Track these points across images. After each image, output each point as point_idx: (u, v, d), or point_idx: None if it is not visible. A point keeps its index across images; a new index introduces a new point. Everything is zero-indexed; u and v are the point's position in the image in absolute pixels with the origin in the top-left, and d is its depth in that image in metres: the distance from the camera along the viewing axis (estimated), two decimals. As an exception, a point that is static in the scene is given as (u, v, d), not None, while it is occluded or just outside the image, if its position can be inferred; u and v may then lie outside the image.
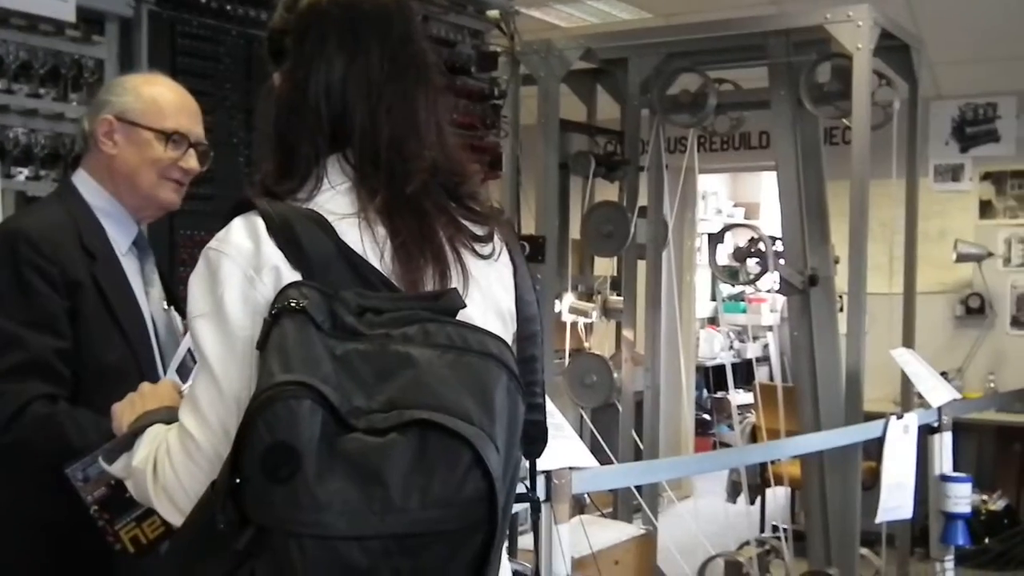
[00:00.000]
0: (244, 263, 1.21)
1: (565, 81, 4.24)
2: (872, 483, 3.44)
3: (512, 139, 3.86)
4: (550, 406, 1.75)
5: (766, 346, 8.19)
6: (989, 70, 5.88)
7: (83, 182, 1.93)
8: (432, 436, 1.10)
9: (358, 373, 1.13)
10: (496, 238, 1.38)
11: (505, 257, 1.39)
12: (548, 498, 2.07)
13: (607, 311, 4.57)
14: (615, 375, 4.35)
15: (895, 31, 3.86)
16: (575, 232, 4.59)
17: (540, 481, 2.00)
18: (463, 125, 3.42)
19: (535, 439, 1.40)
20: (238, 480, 1.09)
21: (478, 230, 1.36)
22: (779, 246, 4.07)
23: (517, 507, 1.52)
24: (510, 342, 1.31)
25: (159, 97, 1.94)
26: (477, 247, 1.34)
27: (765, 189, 8.97)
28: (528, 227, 4.12)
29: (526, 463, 1.45)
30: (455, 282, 1.29)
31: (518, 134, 3.97)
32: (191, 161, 1.95)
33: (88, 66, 2.60)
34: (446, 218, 1.33)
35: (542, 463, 1.60)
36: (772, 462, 4.89)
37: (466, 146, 3.34)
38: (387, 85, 1.31)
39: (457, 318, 1.21)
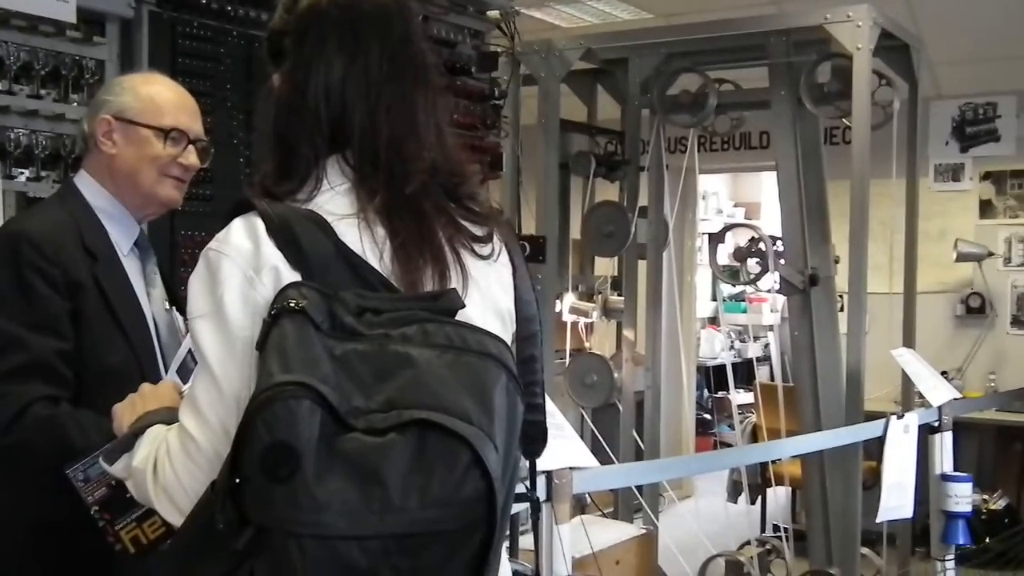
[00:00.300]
0: (244, 264, 1.21)
1: (565, 81, 4.25)
2: (873, 482, 3.44)
3: (512, 139, 3.87)
4: (550, 406, 1.75)
5: (767, 346, 8.19)
6: (989, 70, 5.88)
7: (84, 183, 1.93)
8: (431, 436, 1.10)
9: (357, 373, 1.13)
10: (495, 238, 1.38)
11: (504, 258, 1.39)
12: (549, 498, 2.07)
13: (608, 311, 4.57)
14: (616, 375, 4.36)
15: (895, 31, 3.86)
16: (575, 232, 4.59)
17: (541, 481, 2.00)
18: (463, 125, 3.42)
19: (535, 439, 1.40)
20: (238, 480, 1.09)
21: (477, 231, 1.36)
22: (779, 246, 4.07)
23: (518, 507, 1.52)
24: (509, 342, 1.31)
25: (156, 95, 1.94)
26: (476, 247, 1.34)
27: (765, 189, 8.97)
28: (528, 227, 4.12)
29: (526, 463, 1.45)
30: (454, 283, 1.29)
31: (518, 134, 3.97)
32: (191, 157, 1.95)
33: (89, 67, 2.60)
34: (445, 219, 1.32)
35: (543, 463, 1.60)
36: (773, 462, 4.90)
37: (466, 146, 3.37)
38: (386, 86, 1.31)
39: (456, 318, 1.21)
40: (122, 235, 1.92)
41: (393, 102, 1.31)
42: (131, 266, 1.92)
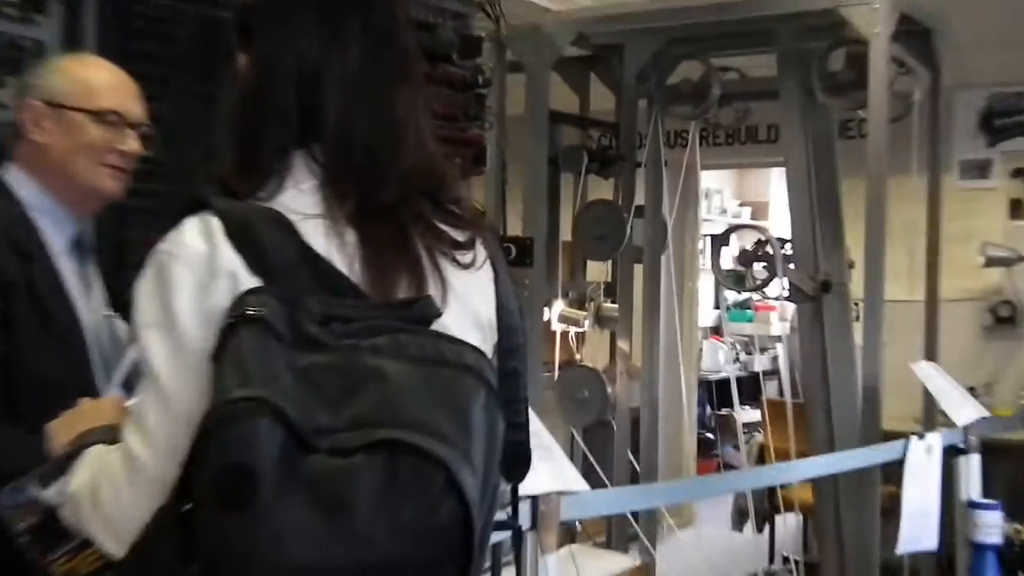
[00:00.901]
0: (197, 267, 1.20)
1: (555, 69, 4.25)
2: (892, 510, 3.44)
3: (497, 132, 3.86)
4: (537, 425, 1.74)
5: (775, 358, 8.22)
6: (1020, 56, 5.90)
7: (13, 176, 1.92)
8: (402, 457, 1.09)
9: (322, 388, 1.12)
10: (477, 245, 1.37)
11: (487, 265, 1.38)
12: (534, 526, 2.06)
13: (601, 320, 4.57)
14: (609, 390, 4.35)
15: (915, 14, 3.87)
16: (566, 234, 4.59)
17: (525, 507, 1.99)
18: (444, 116, 3.41)
19: (517, 462, 1.39)
20: (187, 506, 1.08)
21: (458, 236, 1.35)
22: (789, 249, 4.08)
23: (499, 536, 1.51)
24: (489, 354, 1.30)
25: (90, 76, 1.93)
26: (457, 255, 1.33)
27: (773, 187, 9.01)
28: (514, 228, 4.12)
29: (508, 487, 1.44)
30: (432, 293, 1.28)
31: (504, 126, 3.97)
32: (130, 143, 1.93)
33: (28, 48, 2.58)
34: (423, 226, 1.31)
35: (528, 487, 1.60)
36: (781, 486, 4.89)
37: (447, 139, 3.36)
38: (364, 77, 1.30)
39: (432, 328, 1.21)
40: (56, 233, 1.91)
41: (371, 96, 1.30)
42: (67, 268, 1.90)
